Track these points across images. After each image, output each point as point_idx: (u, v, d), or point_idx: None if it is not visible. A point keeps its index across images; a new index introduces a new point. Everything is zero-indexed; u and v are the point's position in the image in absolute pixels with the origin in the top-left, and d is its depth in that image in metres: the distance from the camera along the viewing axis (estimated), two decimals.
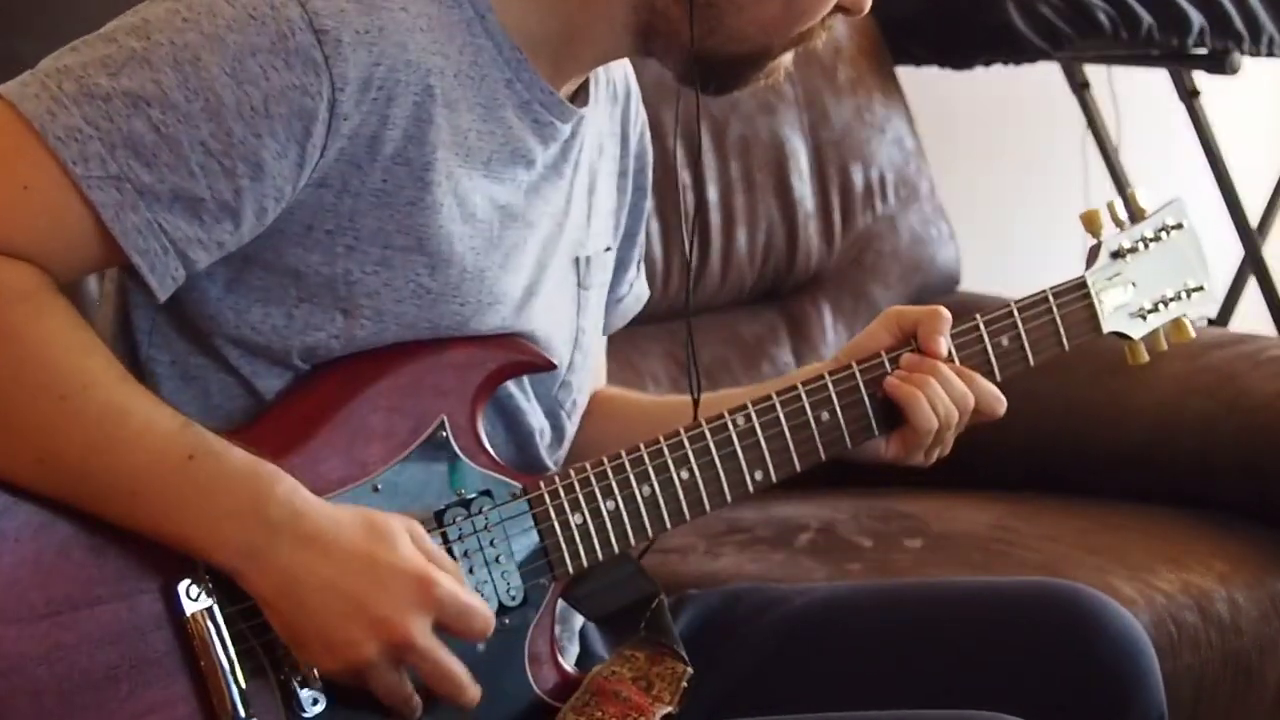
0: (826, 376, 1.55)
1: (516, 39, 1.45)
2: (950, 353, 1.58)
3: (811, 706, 1.57)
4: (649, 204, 1.70)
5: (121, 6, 1.38)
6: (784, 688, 1.65)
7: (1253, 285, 3.29)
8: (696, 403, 1.57)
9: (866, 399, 1.56)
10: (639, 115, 1.67)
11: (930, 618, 1.67)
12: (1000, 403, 1.59)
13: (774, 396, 1.53)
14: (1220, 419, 2.44)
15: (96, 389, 1.31)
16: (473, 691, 1.38)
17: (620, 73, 1.64)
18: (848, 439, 1.56)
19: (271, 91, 1.33)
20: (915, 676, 1.63)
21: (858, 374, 1.56)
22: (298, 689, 1.37)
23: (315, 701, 1.37)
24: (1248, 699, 2.27)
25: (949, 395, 1.56)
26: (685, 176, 2.63)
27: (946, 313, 1.59)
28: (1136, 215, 1.69)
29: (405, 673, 1.37)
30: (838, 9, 1.48)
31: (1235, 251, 3.29)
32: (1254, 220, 3.27)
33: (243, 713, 1.34)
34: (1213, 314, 3.28)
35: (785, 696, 1.63)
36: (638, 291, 1.74)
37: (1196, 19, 2.90)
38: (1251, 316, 3.33)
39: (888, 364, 1.57)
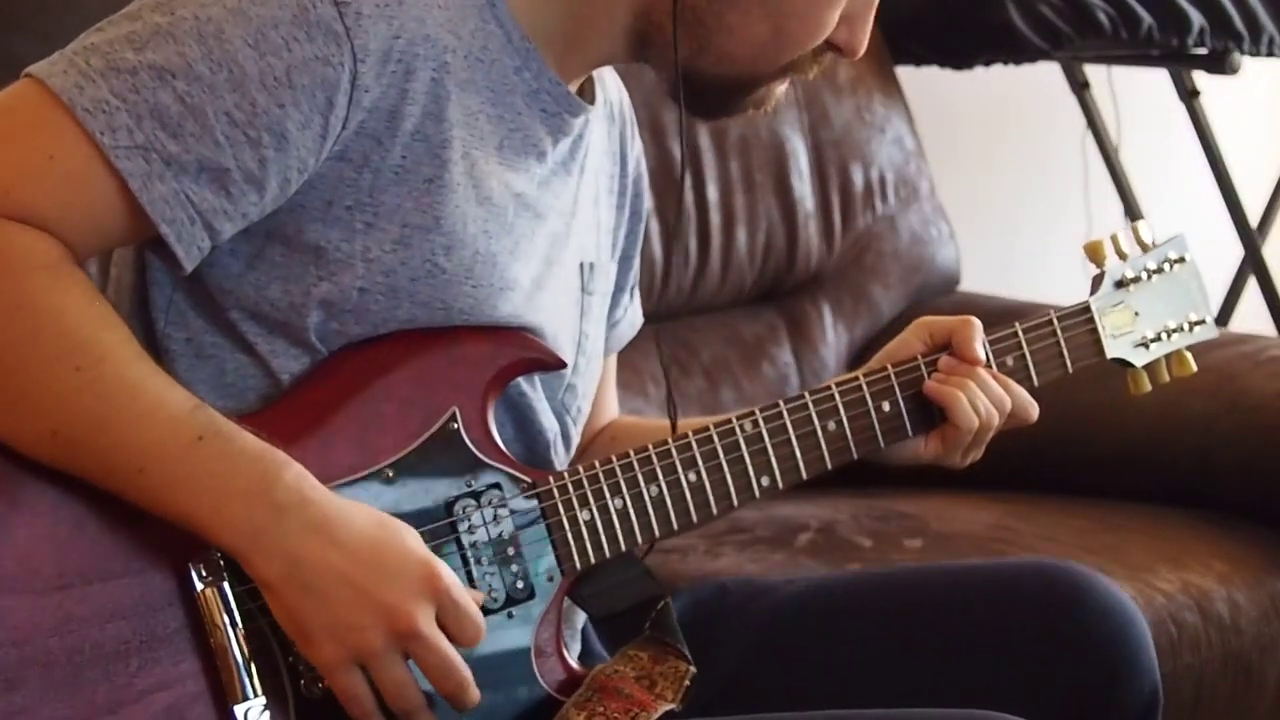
0: (834, 386, 1.56)
1: (525, 30, 1.46)
2: (988, 358, 1.61)
3: (803, 693, 1.59)
4: (643, 223, 1.72)
5: (120, 6, 1.39)
6: (775, 676, 1.66)
7: (1253, 285, 3.29)
8: (674, 421, 1.58)
9: (901, 401, 1.58)
10: (635, 141, 1.69)
11: (920, 600, 1.68)
12: (1033, 408, 1.62)
13: (781, 404, 1.54)
14: (1220, 419, 2.44)
15: (111, 362, 1.32)
16: (473, 693, 1.38)
17: (617, 96, 1.65)
18: (853, 448, 1.57)
19: (294, 62, 1.35)
20: (906, 659, 1.64)
21: (893, 377, 1.58)
22: (305, 669, 1.37)
23: (322, 682, 1.37)
24: (1248, 699, 2.27)
25: (987, 397, 1.58)
26: (684, 179, 2.64)
27: (978, 321, 1.61)
28: (1140, 248, 1.71)
29: (410, 669, 1.36)
30: (831, 48, 1.49)
31: (1235, 251, 3.29)
32: (1254, 220, 3.27)
33: (251, 691, 1.35)
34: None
35: (777, 685, 1.64)
36: (632, 318, 1.75)
37: (1196, 19, 2.90)
38: (1251, 316, 3.33)
39: (924, 368, 1.59)
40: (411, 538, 1.36)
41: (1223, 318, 3.31)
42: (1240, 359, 2.51)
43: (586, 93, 1.55)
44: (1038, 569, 1.68)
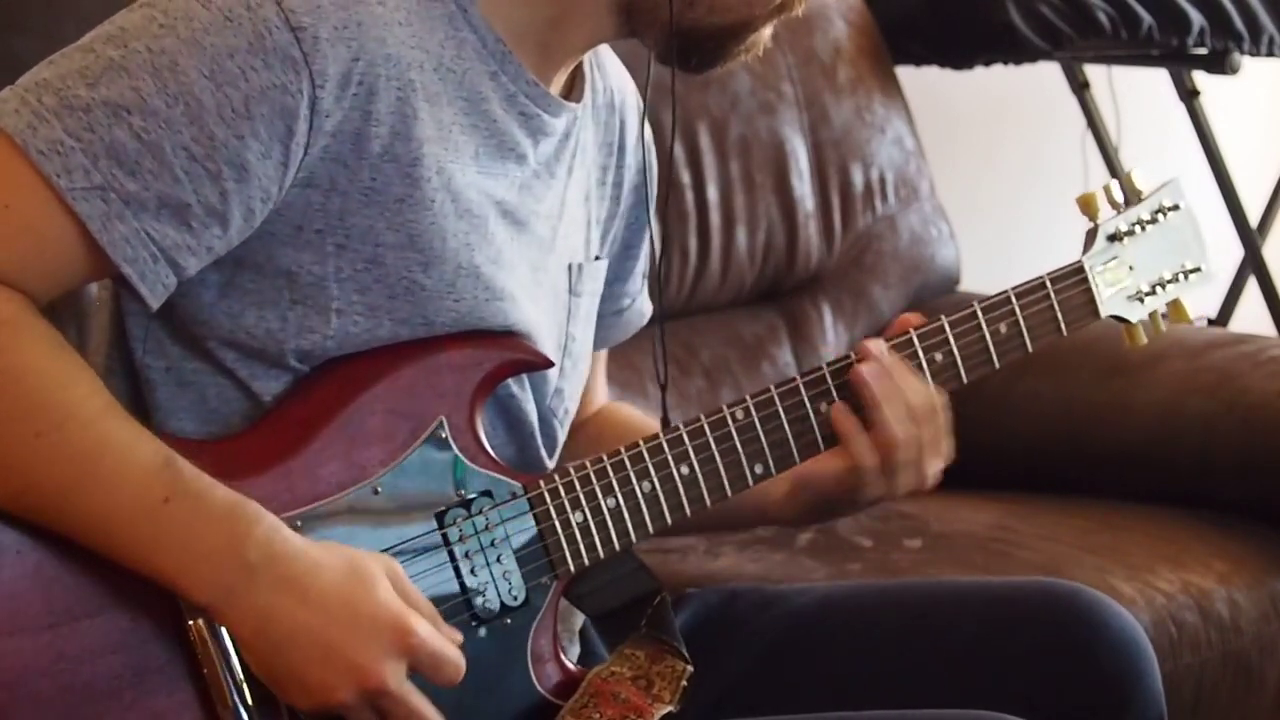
0: (825, 368, 1.55)
1: (501, 31, 1.44)
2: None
3: (810, 706, 1.57)
4: (649, 210, 1.70)
5: (120, 6, 1.38)
6: (782, 687, 1.65)
7: (1253, 285, 3.29)
8: (665, 421, 1.57)
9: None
10: (642, 127, 1.67)
11: (929, 617, 1.67)
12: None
13: (772, 389, 1.53)
14: (1220, 419, 2.44)
15: (74, 424, 1.30)
16: None
17: (618, 82, 1.64)
18: None
19: (251, 92, 1.32)
20: (914, 676, 1.63)
21: (827, 376, 1.55)
22: None
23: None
24: (1248, 699, 2.27)
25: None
26: (685, 175, 2.64)
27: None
28: (1133, 197, 1.69)
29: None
30: None
31: (1235, 251, 3.29)
32: (1254, 220, 3.27)
33: None
34: (1213, 313, 3.29)
35: (783, 696, 1.64)
36: (639, 307, 1.73)
37: (1196, 19, 2.90)
38: (1251, 316, 3.33)
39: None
40: (383, 589, 1.34)
41: (1223, 318, 3.32)
42: (1240, 359, 2.51)
43: (576, 88, 1.54)
44: (1048, 591, 1.66)
